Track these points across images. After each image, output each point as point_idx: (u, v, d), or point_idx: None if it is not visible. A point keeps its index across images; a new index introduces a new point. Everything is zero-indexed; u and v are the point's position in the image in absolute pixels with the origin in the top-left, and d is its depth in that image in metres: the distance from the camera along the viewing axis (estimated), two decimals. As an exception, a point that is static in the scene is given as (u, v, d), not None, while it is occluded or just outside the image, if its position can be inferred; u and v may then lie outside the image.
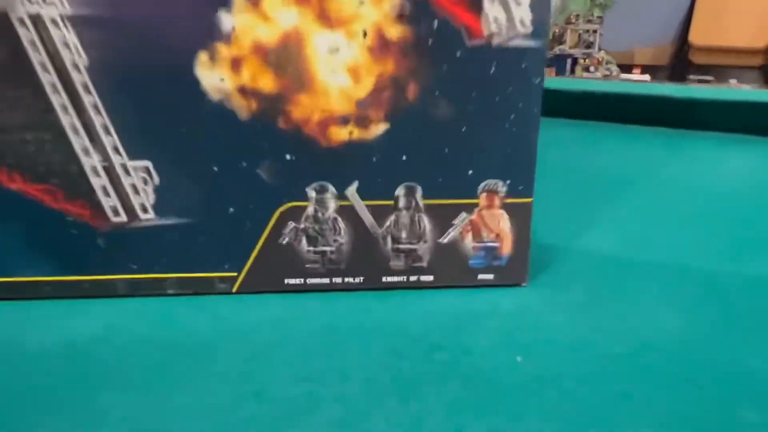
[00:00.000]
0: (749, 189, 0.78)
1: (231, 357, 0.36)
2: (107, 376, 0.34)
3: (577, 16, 3.08)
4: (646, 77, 3.67)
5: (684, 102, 1.10)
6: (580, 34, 3.12)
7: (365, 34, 0.39)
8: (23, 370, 0.35)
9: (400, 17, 0.39)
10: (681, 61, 4.83)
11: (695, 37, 4.77)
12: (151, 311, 0.42)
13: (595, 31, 3.13)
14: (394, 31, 0.39)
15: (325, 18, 0.39)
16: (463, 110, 0.41)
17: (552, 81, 1.25)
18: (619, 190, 0.72)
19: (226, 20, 0.38)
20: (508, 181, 0.43)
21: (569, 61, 3.11)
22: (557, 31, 3.14)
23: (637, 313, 0.42)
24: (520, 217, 0.44)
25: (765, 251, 0.54)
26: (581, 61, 3.06)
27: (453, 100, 0.41)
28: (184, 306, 0.42)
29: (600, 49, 3.19)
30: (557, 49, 3.10)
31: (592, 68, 3.03)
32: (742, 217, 0.65)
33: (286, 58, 0.39)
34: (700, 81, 4.71)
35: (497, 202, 0.43)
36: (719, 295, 0.45)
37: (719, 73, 4.66)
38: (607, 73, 3.19)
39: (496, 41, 0.40)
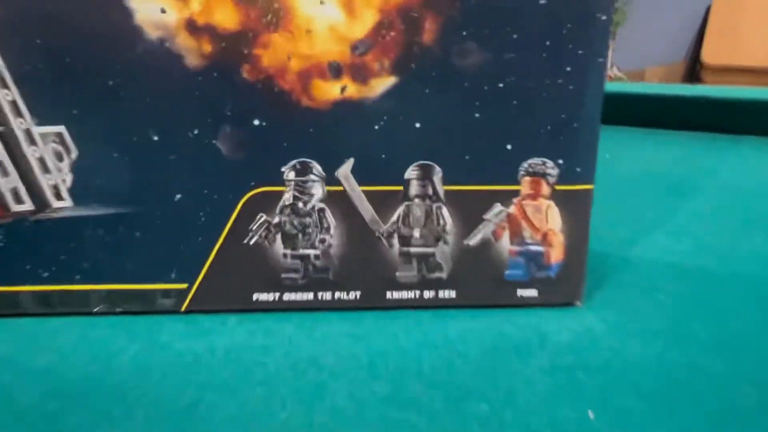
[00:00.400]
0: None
1: (166, 406, 0.25)
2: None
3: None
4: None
5: (723, 103, 0.98)
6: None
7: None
8: None
9: (414, -76, 0.28)
10: (693, 80, 4.74)
11: (707, 56, 4.68)
12: (64, 337, 0.30)
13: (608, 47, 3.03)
14: (406, -56, 0.28)
15: (309, -75, 0.28)
16: (499, 59, 0.29)
17: None
18: (670, 194, 0.60)
19: (171, -72, 0.27)
20: (561, 161, 0.31)
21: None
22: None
23: (743, 341, 0.30)
24: (577, 211, 0.32)
25: None
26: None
27: (485, 44, 0.29)
28: (112, 330, 0.30)
29: (612, 65, 3.09)
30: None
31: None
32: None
33: (253, -19, 0.28)
34: (713, 100, 4.59)
35: (545, 189, 0.31)
36: None
37: (733, 93, 4.55)
38: (621, 89, 3.09)
39: (548, -42, 0.28)
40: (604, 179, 0.47)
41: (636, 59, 5.26)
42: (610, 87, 1.10)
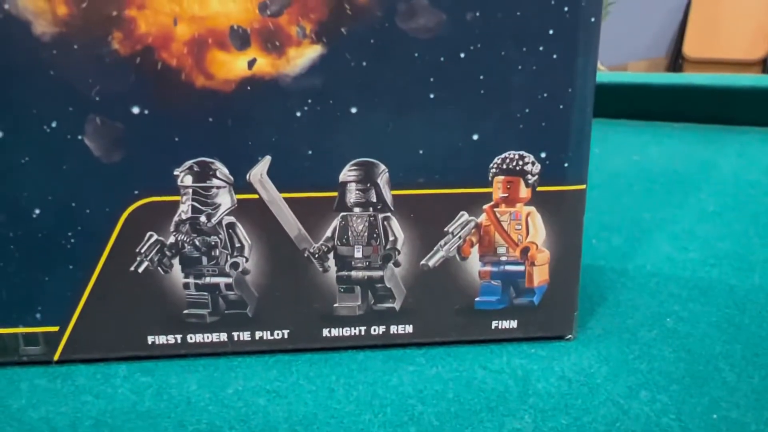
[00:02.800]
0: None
1: None
2: None
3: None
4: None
5: (715, 91, 0.92)
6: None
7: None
8: None
9: None
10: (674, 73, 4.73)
11: (689, 49, 4.67)
12: None
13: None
14: None
15: None
16: (460, 19, 0.22)
17: None
18: (668, 191, 0.53)
19: None
20: (543, 155, 0.24)
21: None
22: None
23: (783, 389, 0.23)
24: (565, 218, 0.25)
25: None
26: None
27: (441, 0, 0.22)
28: (-42, 389, 0.23)
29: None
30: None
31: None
32: None
33: None
34: (695, 94, 4.60)
35: (524, 191, 0.24)
36: None
37: (715, 86, 4.55)
38: (604, 84, 3.04)
39: None
40: (593, 176, 0.40)
41: (618, 54, 5.24)
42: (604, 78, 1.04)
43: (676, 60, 5.19)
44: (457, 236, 0.24)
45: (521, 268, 0.25)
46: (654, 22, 5.38)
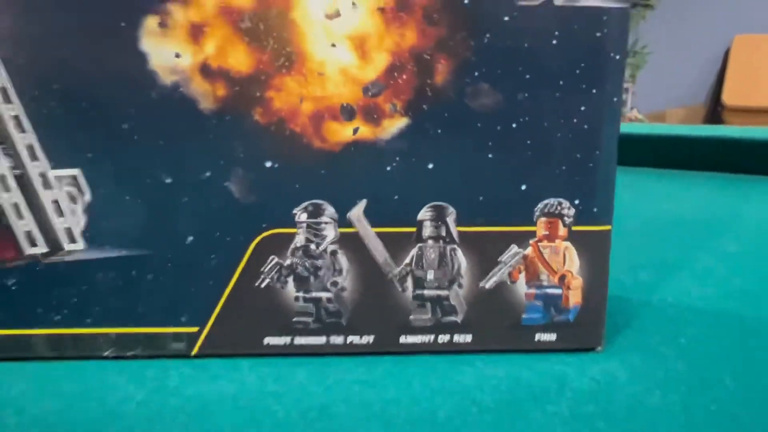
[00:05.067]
0: None
1: (166, 455, 0.24)
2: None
3: (608, 73, 3.00)
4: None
5: (746, 144, 0.97)
6: (611, 92, 3.03)
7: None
8: None
9: (425, -31, 0.28)
10: (714, 121, 4.71)
11: (728, 97, 4.67)
12: (72, 382, 0.29)
13: (626, 90, 3.04)
14: (417, -12, 0.28)
15: (321, -29, 0.28)
16: (512, 99, 0.29)
17: None
18: (693, 235, 0.59)
19: (187, -24, 0.28)
20: (577, 201, 0.30)
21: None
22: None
23: (773, 393, 0.29)
24: (595, 252, 0.31)
25: None
26: (613, 119, 2.96)
27: (498, 85, 0.29)
28: (122, 374, 0.30)
29: (632, 108, 3.09)
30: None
31: (624, 126, 2.93)
32: None
33: (265, 25, 0.28)
34: (735, 142, 4.56)
35: (561, 230, 0.31)
36: None
37: (756, 134, 4.51)
38: (641, 131, 3.08)
39: None
40: (624, 221, 0.46)
41: (656, 101, 5.26)
42: (631, 128, 1.10)
43: (715, 108, 5.17)
44: (508, 265, 0.31)
45: (559, 291, 0.31)
46: (692, 69, 5.38)
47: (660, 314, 0.38)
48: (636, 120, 3.03)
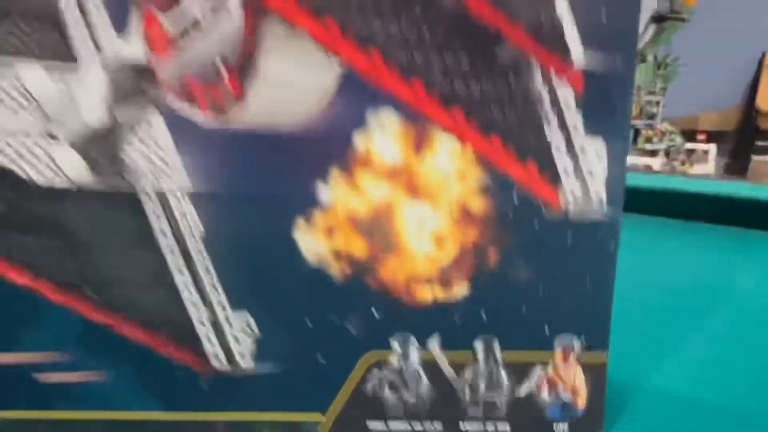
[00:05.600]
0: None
1: None
2: None
3: (639, 87, 3.08)
4: (712, 147, 3.61)
5: (753, 202, 1.09)
6: (642, 106, 3.11)
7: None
8: None
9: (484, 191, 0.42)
10: (748, 126, 4.73)
11: (763, 102, 4.67)
12: (245, 452, 0.45)
13: (657, 103, 3.12)
14: (477, 204, 0.43)
15: (414, 191, 0.43)
16: (540, 274, 0.43)
17: None
18: (694, 306, 0.72)
19: (324, 192, 0.43)
20: (583, 337, 0.45)
21: (631, 133, 3.10)
22: (618, 102, 3.14)
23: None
24: (595, 371, 0.45)
25: None
26: (644, 132, 3.04)
27: (531, 265, 0.43)
28: (274, 446, 0.45)
29: (663, 120, 3.17)
30: (619, 120, 3.09)
31: (655, 139, 3.01)
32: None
33: (376, 227, 0.43)
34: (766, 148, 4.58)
35: (572, 357, 0.45)
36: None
37: (789, 139, 4.53)
38: (672, 143, 3.15)
39: (572, 214, 0.42)
40: (624, 287, 0.60)
41: (690, 106, 5.25)
42: (650, 181, 1.22)
43: (750, 112, 5.16)
44: (536, 378, 0.45)
45: (571, 397, 0.46)
46: (727, 74, 5.36)
47: (652, 403, 0.52)
48: (666, 132, 3.11)
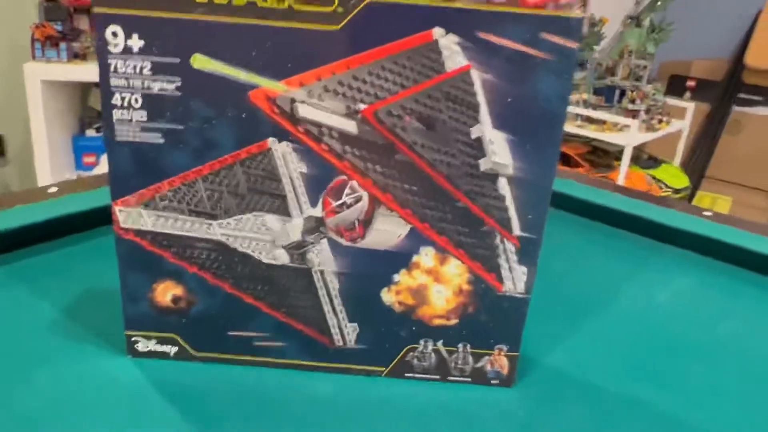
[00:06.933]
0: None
1: None
2: None
3: (630, 52, 3.46)
4: (690, 105, 4.00)
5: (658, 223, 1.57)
6: (630, 69, 3.51)
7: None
8: (310, 411, 0.92)
9: None
10: (734, 79, 5.10)
11: (751, 58, 5.01)
12: (349, 383, 0.98)
13: (645, 67, 3.50)
14: (465, 286, 0.93)
15: (438, 279, 0.93)
16: (491, 317, 0.95)
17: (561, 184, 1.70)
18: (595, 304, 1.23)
19: (396, 277, 0.93)
20: (506, 345, 0.97)
21: (617, 92, 3.51)
22: (611, 64, 3.53)
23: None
24: (512, 358, 0.98)
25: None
26: (629, 93, 3.45)
27: (487, 313, 0.95)
28: (361, 380, 0.98)
29: (648, 83, 3.57)
30: (609, 80, 3.49)
31: (637, 101, 3.43)
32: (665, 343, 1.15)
33: (419, 293, 0.94)
34: (748, 101, 5.00)
35: (502, 353, 0.97)
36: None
37: (769, 95, 4.92)
38: (653, 103, 3.58)
39: (507, 293, 0.93)
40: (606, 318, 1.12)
41: (685, 50, 5.63)
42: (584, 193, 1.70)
43: (736, 66, 5.54)
44: (485, 360, 0.98)
45: (501, 369, 0.99)
46: (723, 24, 5.69)
47: (545, 371, 1.04)
48: (649, 94, 3.50)
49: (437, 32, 0.77)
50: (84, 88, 3.39)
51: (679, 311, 1.08)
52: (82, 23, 3.04)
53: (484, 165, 0.84)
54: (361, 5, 0.75)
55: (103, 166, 3.19)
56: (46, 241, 1.20)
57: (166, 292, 0.92)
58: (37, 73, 2.84)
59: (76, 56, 2.87)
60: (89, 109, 3.44)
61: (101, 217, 1.27)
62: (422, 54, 0.78)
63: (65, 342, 0.96)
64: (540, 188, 0.85)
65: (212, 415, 0.86)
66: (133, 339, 0.95)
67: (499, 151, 0.83)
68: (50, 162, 2.96)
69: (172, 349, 0.96)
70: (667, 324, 1.05)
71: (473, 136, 0.83)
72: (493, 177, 0.85)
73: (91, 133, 3.35)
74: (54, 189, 1.38)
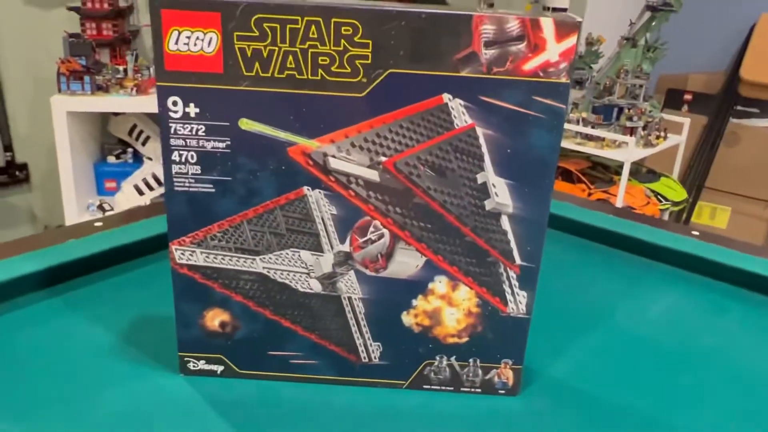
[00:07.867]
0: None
1: None
2: (370, 425, 1.05)
3: (627, 71, 3.60)
4: (686, 120, 4.14)
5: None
6: (627, 87, 3.65)
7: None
8: (342, 420, 1.06)
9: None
10: (730, 92, 5.24)
11: (746, 71, 5.15)
12: (374, 395, 1.12)
13: (641, 86, 3.65)
14: (474, 308, 1.07)
15: (450, 303, 1.07)
16: (497, 336, 1.08)
17: (559, 207, 1.83)
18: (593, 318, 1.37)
19: (414, 301, 1.07)
20: (512, 360, 1.10)
21: (615, 110, 3.65)
22: (608, 83, 3.67)
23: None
24: (517, 371, 1.11)
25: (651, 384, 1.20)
26: (626, 111, 3.59)
27: (493, 332, 1.08)
28: (384, 392, 1.12)
29: (645, 100, 3.71)
30: (606, 99, 3.64)
31: (635, 117, 3.56)
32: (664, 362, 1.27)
33: (434, 315, 1.08)
34: (745, 113, 5.13)
35: (508, 366, 1.11)
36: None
37: (766, 107, 5.05)
38: (650, 120, 3.71)
39: (511, 314, 1.07)
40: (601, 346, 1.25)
41: (681, 64, 5.78)
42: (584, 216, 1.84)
43: (733, 79, 5.69)
44: (493, 372, 1.11)
45: (507, 380, 1.12)
46: (718, 38, 5.84)
47: (548, 382, 1.18)
48: (646, 110, 3.64)
49: (446, 96, 0.92)
50: (104, 116, 3.55)
51: (668, 325, 1.21)
52: (104, 57, 3.21)
53: (488, 205, 0.98)
54: (382, 77, 0.90)
55: (125, 191, 3.35)
56: (93, 272, 1.34)
57: (215, 318, 1.06)
58: (63, 105, 2.96)
59: (99, 88, 3.03)
60: (109, 136, 3.61)
61: (143, 249, 1.42)
62: (434, 114, 0.93)
63: (125, 364, 1.10)
64: (536, 224, 0.99)
65: (254, 424, 1.00)
66: (186, 359, 1.09)
67: (501, 193, 0.97)
68: (75, 188, 3.12)
69: (219, 368, 1.10)
70: (658, 337, 1.17)
71: (479, 182, 0.97)
72: (496, 215, 0.99)
73: (111, 159, 3.51)
74: (99, 224, 1.52)
